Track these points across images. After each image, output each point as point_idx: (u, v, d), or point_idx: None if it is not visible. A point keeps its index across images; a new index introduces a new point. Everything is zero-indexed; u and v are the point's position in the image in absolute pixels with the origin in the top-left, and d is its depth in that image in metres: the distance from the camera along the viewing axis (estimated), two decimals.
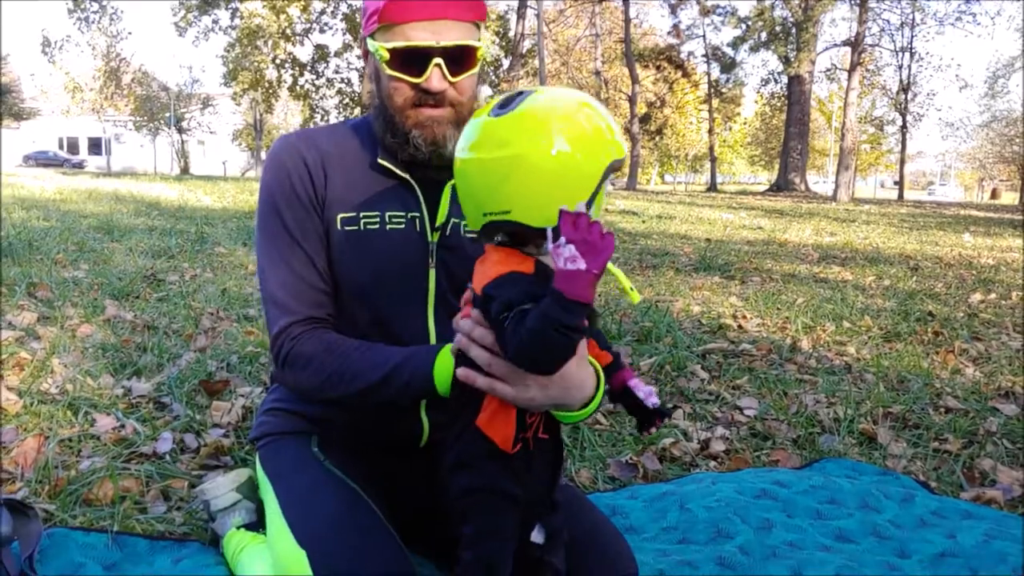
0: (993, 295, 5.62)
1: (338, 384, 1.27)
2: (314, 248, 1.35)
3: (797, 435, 2.53)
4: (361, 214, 1.35)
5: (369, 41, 1.30)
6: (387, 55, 1.26)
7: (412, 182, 1.37)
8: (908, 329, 4.23)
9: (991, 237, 11.79)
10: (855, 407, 2.78)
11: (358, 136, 1.41)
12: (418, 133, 1.31)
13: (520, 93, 1.03)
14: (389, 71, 1.27)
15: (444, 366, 1.17)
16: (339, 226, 1.35)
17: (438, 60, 1.26)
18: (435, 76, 1.27)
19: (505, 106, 1.00)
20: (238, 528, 1.61)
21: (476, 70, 1.33)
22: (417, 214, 1.38)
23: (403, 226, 1.37)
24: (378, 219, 1.36)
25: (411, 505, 1.45)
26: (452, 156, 1.33)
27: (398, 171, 1.36)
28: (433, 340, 1.40)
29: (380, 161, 1.36)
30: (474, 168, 1.02)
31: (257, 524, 1.62)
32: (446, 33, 1.26)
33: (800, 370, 3.33)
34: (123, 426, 2.28)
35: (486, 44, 1.37)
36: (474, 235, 1.42)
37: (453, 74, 1.28)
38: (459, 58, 1.28)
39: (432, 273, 1.38)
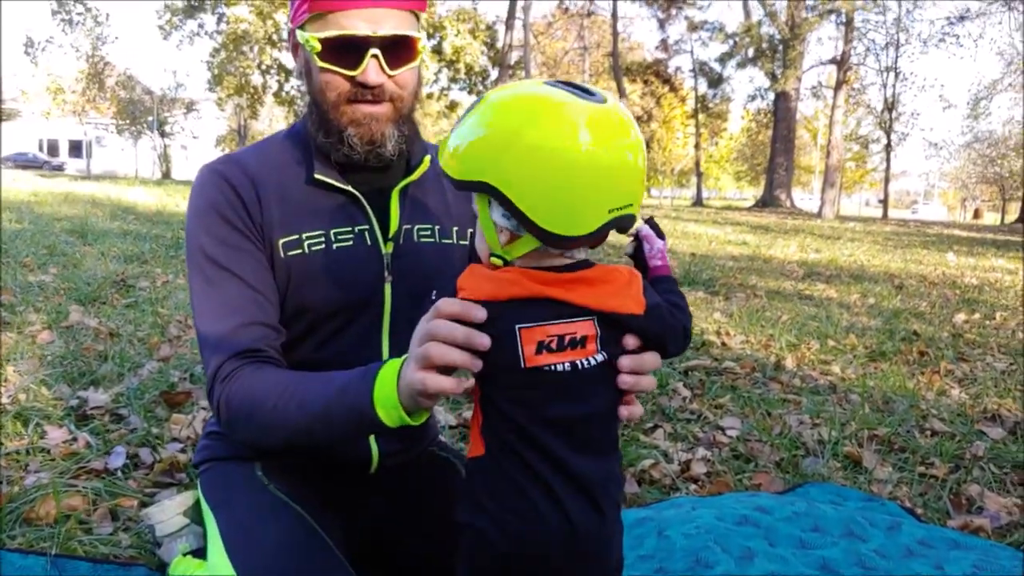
0: (977, 315, 5.59)
1: (275, 432, 1.11)
2: (256, 279, 1.21)
3: (780, 457, 2.45)
4: (304, 235, 1.24)
5: (299, 32, 1.19)
6: (318, 46, 1.16)
7: (356, 193, 1.26)
8: (893, 348, 4.17)
9: (974, 257, 11.83)
10: (840, 429, 2.70)
11: (290, 149, 1.30)
12: (353, 131, 1.21)
13: (569, 83, 0.93)
14: (321, 63, 1.17)
15: (387, 395, 0.97)
16: (281, 252, 1.23)
17: (375, 51, 1.16)
18: (372, 69, 1.17)
19: (586, 93, 0.90)
20: (185, 555, 1.51)
21: (417, 63, 1.23)
22: (366, 227, 1.27)
23: (351, 242, 1.26)
24: (322, 238, 1.25)
25: (365, 530, 1.36)
26: (390, 156, 1.24)
27: (338, 184, 1.25)
28: (386, 357, 1.30)
29: (317, 176, 1.25)
30: (613, 157, 0.89)
31: (205, 550, 1.51)
32: (383, 22, 1.16)
33: (784, 389, 3.26)
34: (75, 439, 2.17)
35: (426, 39, 1.27)
36: (433, 240, 1.33)
37: (391, 67, 1.18)
38: (398, 50, 1.19)
39: (388, 288, 1.28)
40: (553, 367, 0.91)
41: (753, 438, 2.61)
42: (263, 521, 1.20)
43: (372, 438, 1.30)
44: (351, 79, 1.18)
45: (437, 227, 1.34)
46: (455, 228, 1.37)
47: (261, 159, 1.28)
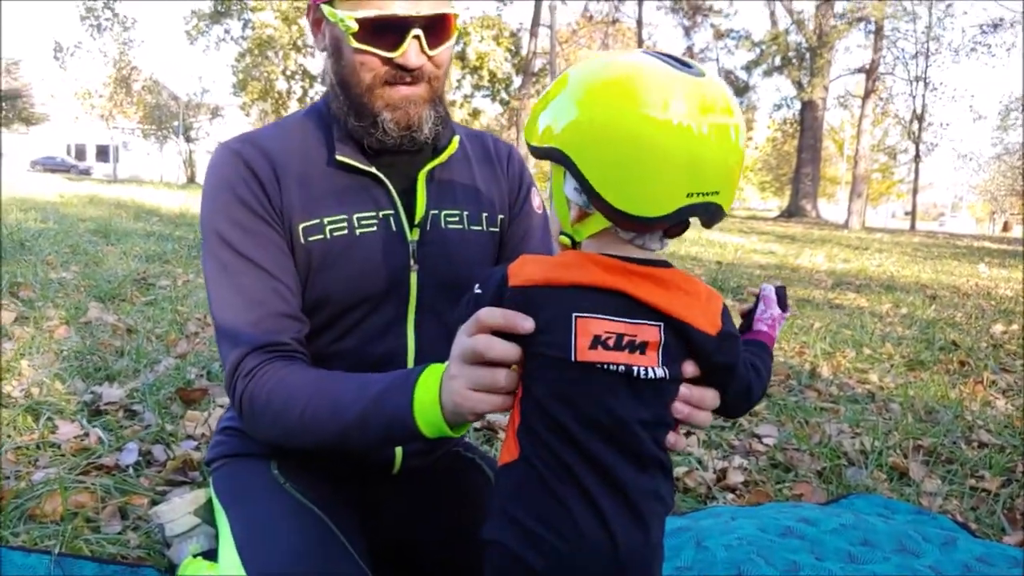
0: (1015, 326, 5.40)
1: (302, 435, 1.04)
2: (275, 265, 1.13)
3: (821, 467, 2.32)
4: (325, 220, 1.15)
5: (326, 9, 1.10)
6: (355, 26, 1.07)
7: (380, 175, 1.18)
8: (932, 358, 4.01)
9: (1007, 268, 11.55)
10: (883, 438, 2.57)
11: (311, 129, 1.21)
12: (389, 116, 1.12)
13: (668, 54, 0.85)
14: (356, 44, 1.08)
15: (428, 408, 0.92)
16: (302, 238, 1.15)
17: (417, 32, 1.08)
18: (413, 50, 1.09)
19: (684, 66, 0.82)
20: (195, 556, 1.42)
21: (453, 41, 1.15)
22: (391, 212, 1.18)
23: (375, 228, 1.17)
24: (345, 224, 1.16)
25: (385, 532, 1.27)
26: (426, 139, 1.16)
27: (361, 166, 1.16)
28: (412, 352, 1.21)
29: (339, 158, 1.16)
30: (699, 135, 0.79)
31: (217, 551, 1.42)
32: (422, 1, 1.08)
33: (821, 397, 3.13)
34: (87, 434, 2.09)
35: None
36: (461, 227, 1.24)
37: (431, 46, 1.10)
38: (436, 28, 1.11)
39: (414, 277, 1.19)
40: (606, 366, 0.81)
41: (791, 447, 2.48)
42: (278, 522, 1.11)
43: None
44: (389, 61, 1.10)
45: (465, 213, 1.25)
46: (485, 214, 1.28)
47: (281, 138, 1.20)
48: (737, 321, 1.00)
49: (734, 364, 0.88)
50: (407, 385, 0.94)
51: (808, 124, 29.65)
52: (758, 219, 30.42)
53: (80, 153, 45.63)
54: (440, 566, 1.27)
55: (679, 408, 0.86)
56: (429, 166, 1.21)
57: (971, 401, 3.17)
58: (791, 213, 29.77)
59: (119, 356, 2.89)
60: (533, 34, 28.59)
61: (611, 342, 0.81)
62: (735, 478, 2.20)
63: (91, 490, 1.77)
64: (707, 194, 0.81)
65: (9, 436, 2.05)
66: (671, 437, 0.87)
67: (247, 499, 1.17)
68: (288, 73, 26.77)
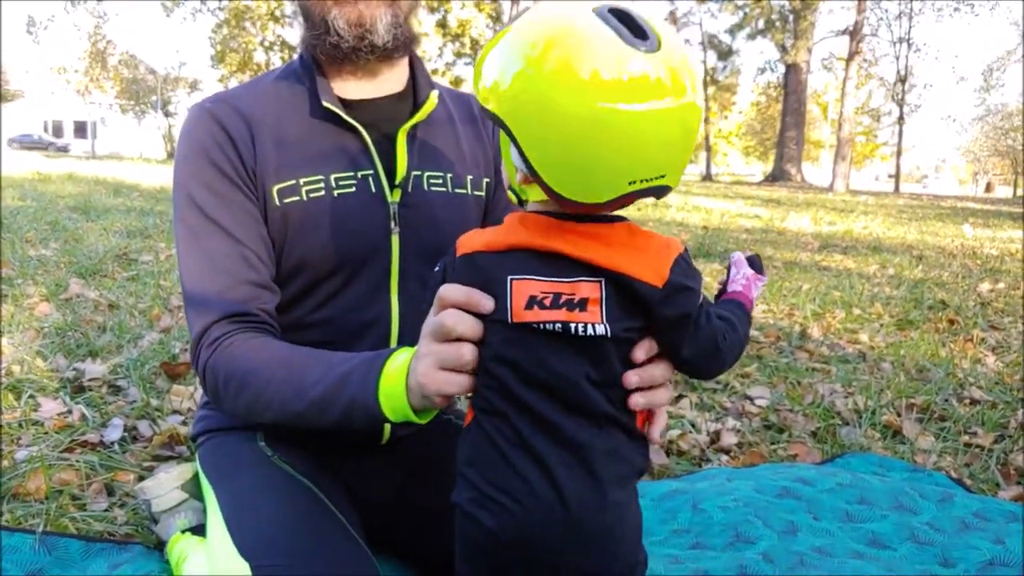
0: (1002, 284, 5.43)
1: (265, 411, 1.01)
2: (245, 233, 1.09)
3: (815, 427, 2.31)
4: (301, 181, 1.11)
5: None
6: None
7: (361, 130, 1.12)
8: (921, 317, 4.02)
9: (991, 228, 11.62)
10: (876, 397, 2.56)
11: (284, 88, 1.16)
12: (338, 12, 1.07)
13: (628, 12, 0.75)
14: None
15: (393, 392, 0.88)
16: (276, 200, 1.10)
17: None
18: None
19: (639, 34, 0.72)
20: (183, 531, 1.39)
21: None
22: (370, 171, 1.13)
23: (353, 189, 1.12)
24: (322, 184, 1.11)
25: (375, 504, 1.24)
26: (384, 43, 1.09)
27: (341, 113, 1.11)
28: (396, 320, 1.17)
29: (326, 105, 1.11)
30: (643, 122, 0.71)
31: (205, 526, 1.39)
32: None
33: (812, 358, 3.12)
34: (70, 411, 2.05)
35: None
36: (444, 189, 1.19)
37: None
38: None
39: (395, 240, 1.15)
40: (543, 325, 0.78)
41: (784, 408, 2.47)
42: (266, 495, 1.07)
43: None
44: None
45: (449, 175, 1.20)
46: (469, 177, 1.23)
47: (255, 97, 1.15)
48: (714, 290, 0.98)
49: (687, 315, 0.81)
50: (374, 368, 0.90)
51: (792, 88, 29.58)
52: (743, 184, 30.45)
53: (57, 130, 44.78)
54: (431, 537, 1.25)
55: (636, 401, 0.81)
56: (410, 123, 1.16)
57: (961, 359, 3.17)
58: (776, 177, 29.81)
59: (101, 332, 2.83)
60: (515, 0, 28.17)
61: (547, 301, 0.79)
62: (728, 440, 2.19)
63: (76, 467, 1.72)
64: (651, 179, 0.76)
65: None
66: (638, 398, 0.82)
67: (234, 473, 1.14)
68: (266, 44, 26.29)
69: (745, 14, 29.47)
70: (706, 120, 34.39)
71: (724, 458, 2.10)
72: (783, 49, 28.01)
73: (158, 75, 34.91)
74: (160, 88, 34.44)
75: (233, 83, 29.49)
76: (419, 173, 1.17)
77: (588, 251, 0.78)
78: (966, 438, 2.28)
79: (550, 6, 0.78)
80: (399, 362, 0.89)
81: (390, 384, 0.88)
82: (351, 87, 1.16)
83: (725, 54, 32.64)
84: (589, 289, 0.78)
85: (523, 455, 0.79)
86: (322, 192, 1.11)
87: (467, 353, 0.80)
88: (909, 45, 29.10)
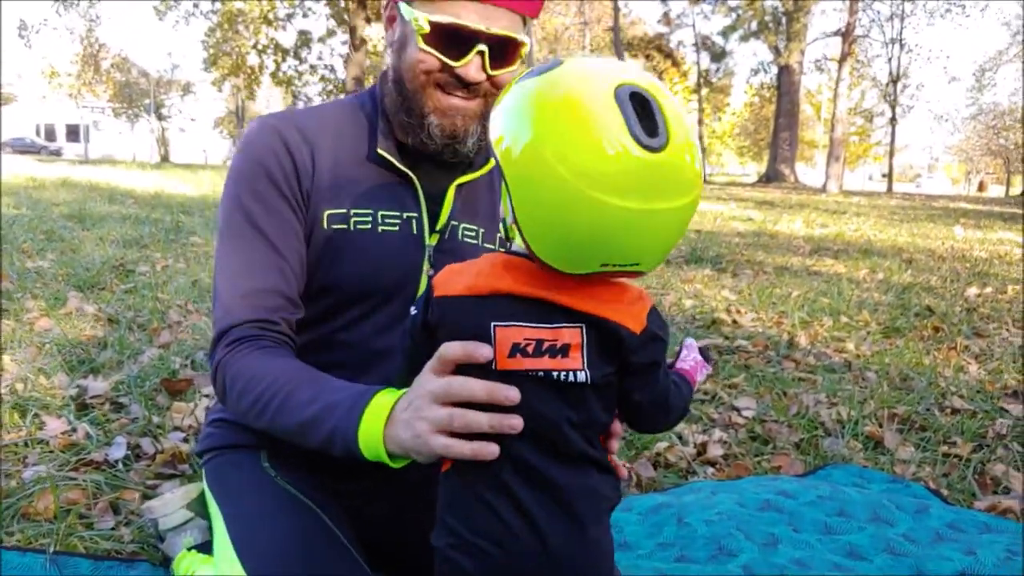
0: (989, 289, 5.51)
1: (259, 417, 1.07)
2: (286, 246, 1.16)
3: (799, 439, 2.38)
4: (352, 211, 1.18)
5: (403, 6, 1.13)
6: (427, 28, 1.09)
7: (413, 178, 1.21)
8: (907, 324, 4.10)
9: (981, 230, 11.72)
10: (859, 408, 2.63)
11: (353, 120, 1.24)
12: (436, 120, 1.15)
13: (648, 100, 0.75)
14: (423, 45, 1.11)
15: (371, 433, 0.92)
16: (325, 224, 1.18)
17: (482, 48, 1.11)
18: (474, 65, 1.12)
19: (650, 128, 0.73)
20: (189, 549, 1.45)
21: (517, 67, 1.16)
22: (415, 215, 1.21)
23: (397, 228, 1.20)
24: (370, 219, 1.19)
25: (377, 525, 1.29)
26: (467, 153, 1.19)
27: (397, 163, 1.19)
28: None
29: (380, 152, 1.19)
30: (629, 217, 0.74)
31: (211, 544, 1.45)
32: (496, 20, 1.10)
33: (798, 368, 3.19)
34: (75, 429, 2.10)
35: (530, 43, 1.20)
36: (476, 242, 1.27)
37: (493, 66, 1.13)
38: (503, 50, 1.13)
39: (424, 280, 1.22)
40: (527, 372, 0.82)
41: (770, 419, 2.54)
42: (272, 515, 1.14)
43: None
44: (449, 68, 1.12)
45: (482, 230, 1.29)
46: (499, 235, 1.32)
47: (321, 124, 1.22)
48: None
49: (656, 364, 0.87)
50: (359, 403, 0.95)
51: (785, 89, 29.70)
52: (736, 185, 30.54)
53: (50, 133, 44.58)
54: (429, 555, 1.30)
55: (613, 446, 0.92)
56: (461, 180, 1.24)
57: (944, 367, 3.25)
58: (770, 178, 29.93)
59: (102, 348, 2.89)
60: None
61: (530, 348, 0.82)
62: (715, 452, 2.25)
63: (82, 486, 1.78)
64: (625, 265, 0.78)
65: None
66: (613, 444, 0.90)
67: (239, 492, 1.20)
68: (259, 47, 26.27)
69: (738, 16, 29.58)
70: (699, 121, 34.51)
71: (710, 470, 2.17)
72: (776, 51, 28.13)
73: (151, 78, 34.85)
74: (153, 91, 34.39)
75: (227, 87, 29.53)
76: (456, 223, 1.25)
77: (570, 297, 0.82)
78: (945, 448, 2.35)
79: (578, 68, 0.79)
80: (380, 404, 0.93)
81: (370, 424, 0.92)
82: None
83: (718, 56, 32.75)
84: (570, 335, 0.82)
85: (504, 500, 0.83)
86: (369, 226, 1.19)
87: (485, 422, 0.82)
88: (901, 46, 29.27)
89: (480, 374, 0.83)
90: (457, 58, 1.11)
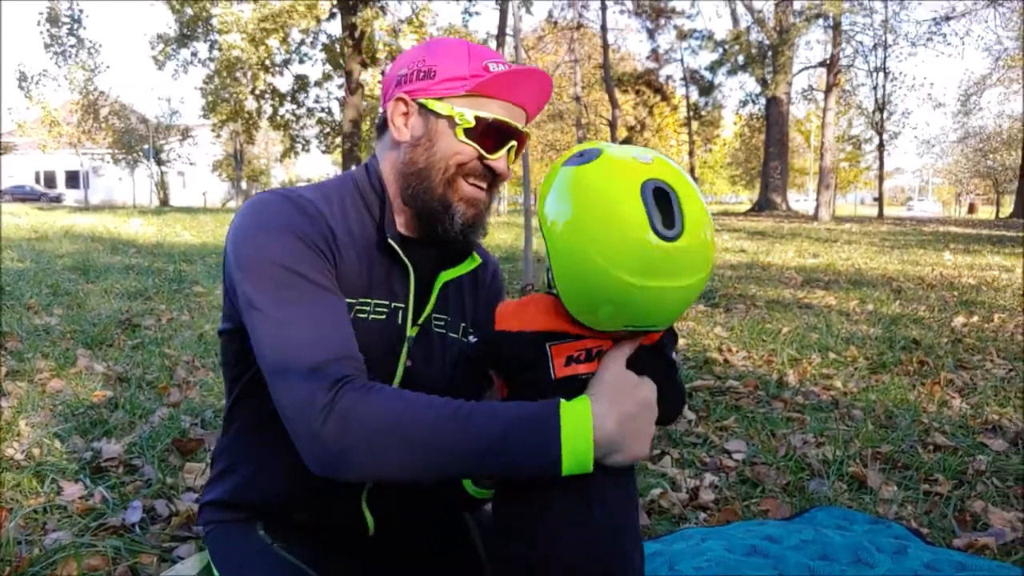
0: (976, 318, 5.63)
1: (409, 459, 0.99)
2: (342, 299, 1.14)
3: (786, 481, 2.48)
4: (348, 301, 1.17)
5: (435, 103, 1.19)
6: (472, 122, 1.18)
7: (410, 271, 1.24)
8: (893, 359, 4.21)
9: (970, 255, 11.88)
10: (844, 448, 2.73)
11: (349, 203, 1.25)
12: (463, 209, 1.22)
13: (669, 194, 0.91)
14: (463, 137, 1.19)
15: (578, 434, 0.95)
16: None
17: (513, 143, 1.23)
18: (504, 159, 1.23)
19: (669, 221, 0.89)
20: None
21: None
22: (402, 305, 1.25)
23: (384, 317, 1.23)
24: (367, 308, 1.21)
25: None
26: (475, 239, 1.28)
27: (403, 257, 1.23)
28: None
29: (390, 241, 1.22)
30: (647, 294, 0.91)
31: None
32: (520, 119, 1.24)
33: (787, 407, 3.29)
34: (91, 494, 2.20)
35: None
36: (443, 331, 1.32)
37: (512, 160, 1.25)
38: (520, 146, 1.26)
39: (401, 369, 1.25)
40: (580, 376, 1.00)
41: (759, 461, 2.64)
42: None
43: (364, 503, 1.26)
44: (482, 160, 1.21)
45: (449, 319, 1.33)
46: (463, 325, 1.36)
47: (327, 205, 1.21)
48: None
49: (674, 365, 1.08)
50: (546, 413, 0.96)
51: (774, 119, 30.13)
52: (729, 214, 30.79)
53: (50, 180, 44.93)
54: None
55: None
56: (448, 276, 1.29)
57: (928, 402, 3.35)
58: (761, 207, 30.22)
59: (113, 408, 2.99)
60: (500, 43, 28.71)
61: (582, 356, 1.00)
62: (707, 496, 2.35)
63: (103, 552, 1.87)
64: (645, 326, 0.97)
65: (17, 501, 2.14)
66: None
67: (241, 565, 1.26)
68: (257, 93, 26.68)
69: (725, 51, 30.10)
70: (690, 153, 34.93)
71: (702, 516, 2.26)
72: (763, 83, 28.59)
73: (150, 124, 35.26)
74: (152, 137, 34.77)
75: (225, 132, 29.86)
76: (434, 314, 1.30)
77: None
78: (927, 486, 2.44)
79: (614, 160, 0.94)
80: (579, 414, 0.95)
81: (574, 427, 0.94)
82: (411, 224, 1.29)
83: (707, 90, 33.22)
84: (606, 342, 1.01)
85: (565, 497, 0.97)
86: (365, 315, 1.20)
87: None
88: (886, 74, 29.77)
89: (538, 385, 1.00)
90: (492, 151, 1.21)
